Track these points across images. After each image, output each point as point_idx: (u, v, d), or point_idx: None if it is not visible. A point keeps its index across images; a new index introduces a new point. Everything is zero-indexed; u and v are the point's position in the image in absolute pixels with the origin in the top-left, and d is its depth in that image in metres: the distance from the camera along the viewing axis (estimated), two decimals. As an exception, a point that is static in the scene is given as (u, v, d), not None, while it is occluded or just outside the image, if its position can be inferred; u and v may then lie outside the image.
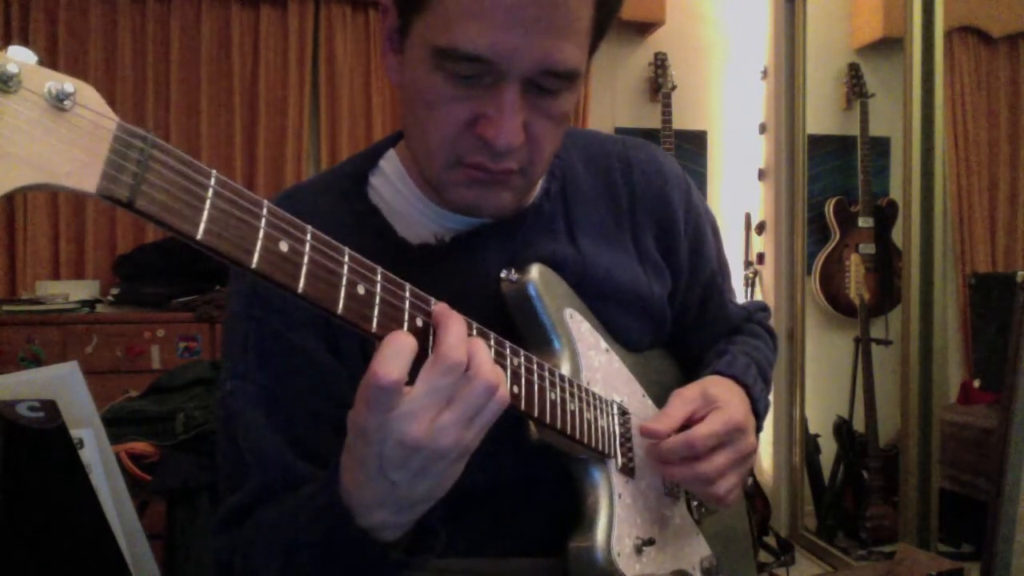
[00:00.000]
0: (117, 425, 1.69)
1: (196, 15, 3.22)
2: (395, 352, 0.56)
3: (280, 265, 0.51)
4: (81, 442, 0.92)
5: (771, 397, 1.00)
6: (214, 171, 0.48)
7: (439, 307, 0.61)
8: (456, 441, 0.59)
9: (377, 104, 3.36)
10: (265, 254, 0.50)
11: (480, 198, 0.75)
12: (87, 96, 0.43)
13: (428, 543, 0.67)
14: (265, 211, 0.51)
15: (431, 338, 0.60)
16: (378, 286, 0.58)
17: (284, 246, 0.51)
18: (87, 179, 0.43)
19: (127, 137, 0.45)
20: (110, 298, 2.95)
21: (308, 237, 0.53)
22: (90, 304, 2.92)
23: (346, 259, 0.56)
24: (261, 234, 0.50)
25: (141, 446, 1.65)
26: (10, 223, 3.09)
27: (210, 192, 0.48)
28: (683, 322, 0.99)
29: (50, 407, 0.78)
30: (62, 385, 0.92)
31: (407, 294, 0.60)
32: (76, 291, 2.95)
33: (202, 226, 0.47)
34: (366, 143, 3.32)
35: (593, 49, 0.76)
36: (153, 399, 1.84)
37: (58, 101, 0.42)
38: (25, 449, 0.76)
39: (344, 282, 0.55)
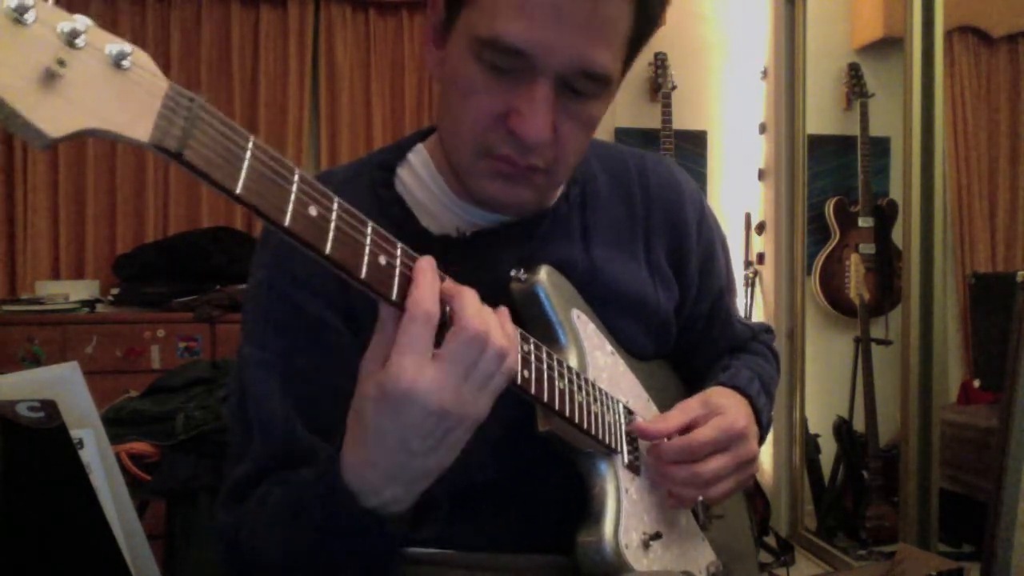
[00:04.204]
0: (117, 425, 1.68)
1: (196, 15, 3.22)
2: (430, 285, 0.60)
3: (309, 227, 0.55)
4: (81, 442, 0.92)
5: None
6: (252, 135, 0.52)
7: (448, 283, 0.64)
8: (475, 409, 0.62)
9: (377, 104, 3.36)
10: (296, 215, 0.54)
11: (502, 192, 0.78)
12: (142, 59, 0.48)
13: (434, 515, 0.69)
14: (296, 177, 0.54)
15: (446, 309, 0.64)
16: (398, 259, 0.61)
17: (313, 210, 0.55)
18: (141, 130, 0.47)
19: (177, 96, 0.49)
20: (110, 298, 2.95)
21: (335, 206, 0.57)
22: (90, 304, 2.92)
23: (369, 230, 0.59)
24: (293, 197, 0.54)
25: (141, 446, 1.65)
26: (10, 223, 3.09)
27: (248, 153, 0.51)
28: (688, 337, 0.99)
29: (50, 407, 0.78)
30: (62, 385, 0.91)
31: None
32: (76, 291, 2.95)
33: (241, 182, 0.51)
34: (366, 143, 3.33)
35: (628, 62, 0.78)
36: (153, 399, 1.83)
37: (118, 60, 0.46)
38: (25, 449, 0.76)
39: (367, 251, 0.58)
